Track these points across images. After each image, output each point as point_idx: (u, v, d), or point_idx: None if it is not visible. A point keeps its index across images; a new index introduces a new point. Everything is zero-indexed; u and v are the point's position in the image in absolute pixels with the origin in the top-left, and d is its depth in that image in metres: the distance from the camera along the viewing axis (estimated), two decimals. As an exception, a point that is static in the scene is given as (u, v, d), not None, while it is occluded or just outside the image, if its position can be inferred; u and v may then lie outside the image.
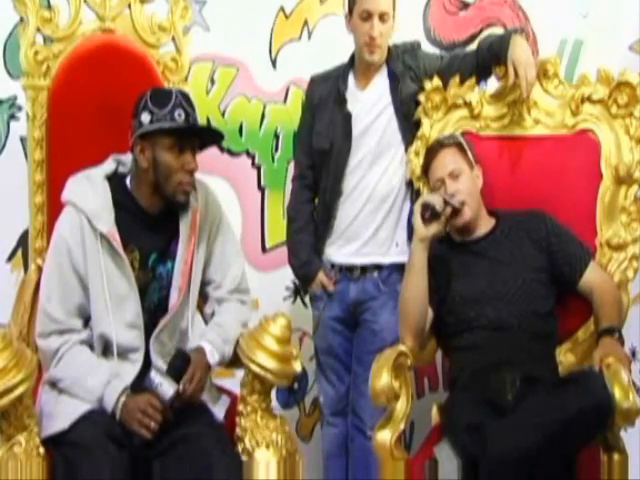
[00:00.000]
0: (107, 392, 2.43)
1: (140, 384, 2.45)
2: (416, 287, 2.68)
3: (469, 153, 2.79)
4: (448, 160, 2.77)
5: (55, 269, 2.51)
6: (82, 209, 2.48)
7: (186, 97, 2.50)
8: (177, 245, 2.55)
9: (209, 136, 2.62)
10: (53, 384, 2.51)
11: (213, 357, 2.53)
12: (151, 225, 2.55)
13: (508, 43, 2.83)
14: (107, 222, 2.47)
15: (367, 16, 2.94)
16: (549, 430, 2.26)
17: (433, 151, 2.81)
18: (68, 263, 2.49)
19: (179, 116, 2.46)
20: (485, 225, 2.79)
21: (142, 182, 2.53)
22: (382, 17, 2.93)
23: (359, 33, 2.98)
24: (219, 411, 2.55)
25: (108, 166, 2.59)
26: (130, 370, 2.50)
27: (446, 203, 2.67)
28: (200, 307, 2.72)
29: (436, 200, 2.67)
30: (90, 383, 2.45)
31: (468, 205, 2.72)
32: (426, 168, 2.82)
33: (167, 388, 2.42)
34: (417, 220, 2.67)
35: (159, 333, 2.53)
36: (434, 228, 2.66)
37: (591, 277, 2.70)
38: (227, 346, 2.56)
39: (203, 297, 2.69)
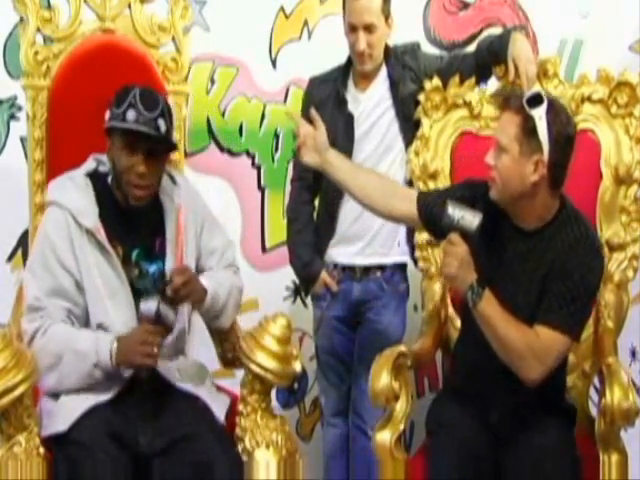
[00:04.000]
0: (99, 345, 2.42)
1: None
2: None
3: (540, 134, 2.27)
4: (504, 127, 2.35)
5: (40, 264, 2.50)
6: (66, 206, 2.50)
7: (145, 97, 2.48)
8: (164, 243, 2.57)
9: (161, 142, 2.53)
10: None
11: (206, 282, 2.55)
12: (132, 222, 2.56)
13: (508, 40, 2.83)
14: (91, 218, 2.49)
15: (352, 28, 2.95)
16: None
17: (503, 105, 2.46)
18: (54, 258, 2.48)
19: (129, 117, 2.46)
20: (533, 221, 2.40)
21: (114, 179, 2.56)
22: (367, 28, 2.93)
23: (349, 43, 2.99)
24: (219, 411, 2.55)
25: (88, 165, 2.61)
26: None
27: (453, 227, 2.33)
28: None
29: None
30: (80, 347, 2.43)
31: (497, 187, 2.36)
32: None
33: (151, 304, 2.43)
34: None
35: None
36: None
37: (540, 328, 2.35)
38: (220, 289, 2.58)
39: None
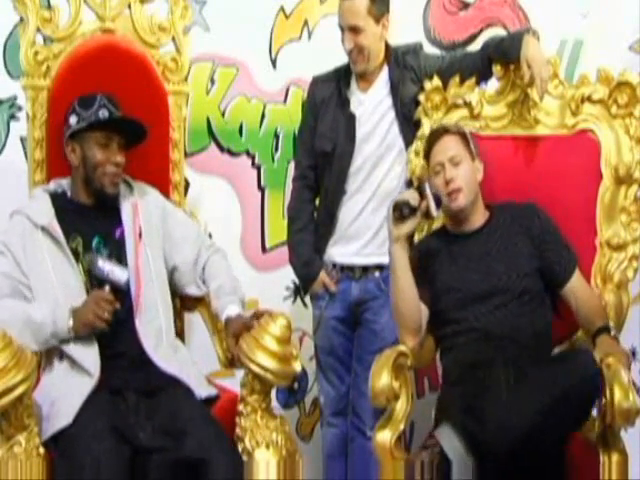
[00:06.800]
0: (56, 316, 2.55)
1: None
2: (404, 288, 2.68)
3: (472, 145, 2.77)
4: (450, 146, 2.74)
5: None
6: (22, 211, 2.68)
7: (110, 99, 2.70)
8: (123, 233, 2.69)
9: (134, 131, 2.73)
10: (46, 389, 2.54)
11: (239, 308, 2.68)
12: (90, 215, 2.72)
13: (520, 42, 2.80)
14: (46, 216, 2.66)
15: (341, 29, 2.96)
16: (543, 408, 2.30)
17: (436, 135, 2.78)
18: (5, 248, 2.62)
19: (103, 115, 2.67)
20: (480, 218, 2.77)
21: (76, 179, 2.72)
22: (353, 30, 2.93)
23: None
24: (201, 392, 2.60)
25: (46, 185, 2.80)
26: (91, 354, 2.57)
27: (422, 197, 2.61)
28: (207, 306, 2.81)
29: (410, 196, 2.63)
30: (35, 316, 2.55)
31: (464, 193, 2.69)
32: (427, 152, 2.79)
33: (120, 274, 2.59)
34: (390, 221, 2.64)
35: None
36: (408, 226, 2.63)
37: (577, 283, 2.70)
38: (237, 294, 2.73)
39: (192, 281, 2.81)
